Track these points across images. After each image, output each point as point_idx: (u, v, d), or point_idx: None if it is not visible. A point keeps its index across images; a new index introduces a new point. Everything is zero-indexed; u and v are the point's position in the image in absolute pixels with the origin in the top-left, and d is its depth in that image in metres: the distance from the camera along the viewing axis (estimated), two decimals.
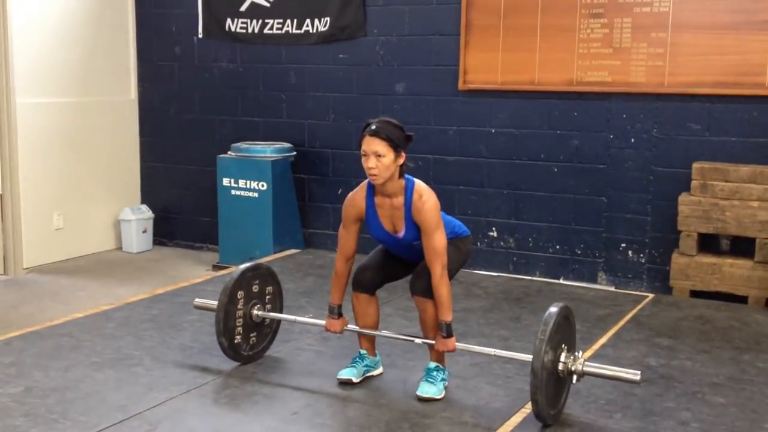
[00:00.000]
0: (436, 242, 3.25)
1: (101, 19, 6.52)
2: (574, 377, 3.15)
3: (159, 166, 6.89)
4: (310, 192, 6.31)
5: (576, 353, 3.19)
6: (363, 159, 3.26)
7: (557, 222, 5.52)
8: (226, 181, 6.06)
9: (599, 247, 5.42)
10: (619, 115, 5.29)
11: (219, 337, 3.62)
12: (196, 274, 5.77)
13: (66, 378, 3.56)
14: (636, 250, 5.32)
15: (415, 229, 3.31)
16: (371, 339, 3.61)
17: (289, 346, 4.00)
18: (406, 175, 3.34)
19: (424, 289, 3.32)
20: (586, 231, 5.45)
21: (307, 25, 6.16)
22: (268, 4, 6.26)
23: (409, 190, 3.30)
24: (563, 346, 3.15)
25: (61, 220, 6.25)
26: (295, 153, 6.15)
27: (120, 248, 6.69)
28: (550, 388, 3.08)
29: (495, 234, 5.71)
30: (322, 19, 6.10)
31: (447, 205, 5.67)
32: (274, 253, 5.92)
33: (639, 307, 4.78)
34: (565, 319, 3.17)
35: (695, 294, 4.95)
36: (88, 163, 6.47)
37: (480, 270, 5.66)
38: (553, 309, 3.12)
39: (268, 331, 3.85)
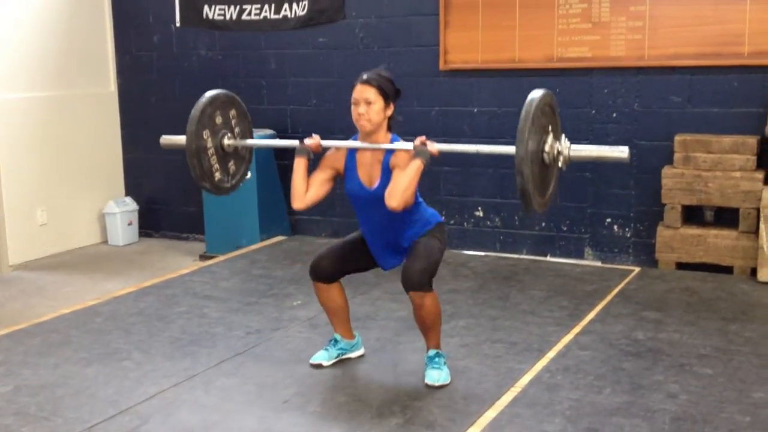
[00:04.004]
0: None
1: (77, 11, 6.45)
2: (560, 162, 3.04)
3: (142, 157, 6.84)
4: None
5: (561, 139, 3.07)
6: (353, 108, 3.27)
7: None
8: None
9: (585, 222, 5.44)
10: (601, 90, 5.29)
11: (199, 182, 3.55)
12: (183, 265, 5.75)
13: (55, 375, 3.55)
14: (621, 225, 5.34)
15: (389, 180, 3.25)
16: (345, 322, 3.60)
17: (278, 335, 4.00)
18: (393, 134, 3.35)
19: (417, 282, 3.25)
20: (572, 207, 5.46)
21: (285, 10, 6.11)
22: None
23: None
24: (548, 132, 3.02)
25: (44, 216, 6.21)
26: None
27: (106, 242, 6.66)
28: (537, 175, 2.97)
29: (481, 213, 5.72)
30: (300, 3, 6.05)
31: (432, 186, 5.68)
32: (261, 240, 5.91)
33: (626, 281, 4.80)
34: (549, 105, 3.05)
35: (681, 266, 4.98)
36: (70, 157, 6.42)
37: (467, 250, 5.67)
38: (535, 94, 2.97)
39: (244, 152, 3.73)
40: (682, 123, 5.10)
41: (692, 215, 5.06)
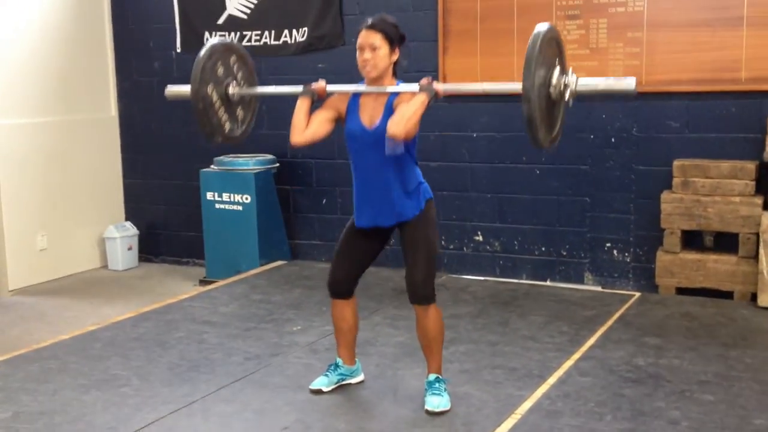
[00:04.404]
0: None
1: (78, 37, 6.49)
2: (567, 95, 2.98)
3: (142, 182, 6.86)
4: (295, 203, 6.30)
5: (568, 73, 3.02)
6: (358, 54, 3.26)
7: (542, 224, 5.53)
8: (209, 195, 6.04)
9: (584, 247, 5.44)
10: (599, 116, 5.31)
11: (210, 138, 3.57)
12: (183, 290, 5.74)
13: (54, 401, 3.54)
14: (621, 250, 5.34)
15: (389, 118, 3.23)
16: (350, 345, 3.60)
17: (278, 360, 3.99)
18: (399, 79, 3.35)
19: (422, 295, 3.27)
20: (571, 232, 5.46)
21: (285, 36, 6.16)
22: (245, 16, 6.26)
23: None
24: (555, 65, 2.99)
25: (45, 241, 6.21)
26: (277, 164, 6.14)
27: (106, 266, 6.65)
28: (544, 108, 2.93)
29: (480, 238, 5.72)
30: (300, 29, 6.10)
31: None
32: (261, 265, 5.90)
33: (626, 306, 4.80)
34: (555, 39, 3.03)
35: (681, 291, 4.97)
36: (70, 182, 6.43)
37: (467, 275, 5.66)
38: (542, 27, 2.94)
39: (250, 98, 3.75)
40: (681, 148, 5.12)
41: (692, 240, 5.06)
